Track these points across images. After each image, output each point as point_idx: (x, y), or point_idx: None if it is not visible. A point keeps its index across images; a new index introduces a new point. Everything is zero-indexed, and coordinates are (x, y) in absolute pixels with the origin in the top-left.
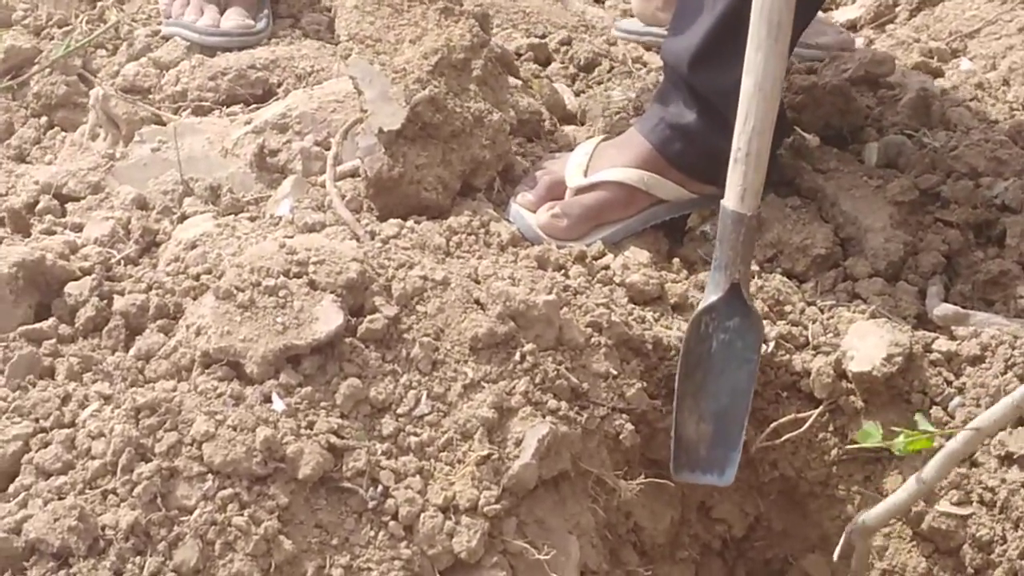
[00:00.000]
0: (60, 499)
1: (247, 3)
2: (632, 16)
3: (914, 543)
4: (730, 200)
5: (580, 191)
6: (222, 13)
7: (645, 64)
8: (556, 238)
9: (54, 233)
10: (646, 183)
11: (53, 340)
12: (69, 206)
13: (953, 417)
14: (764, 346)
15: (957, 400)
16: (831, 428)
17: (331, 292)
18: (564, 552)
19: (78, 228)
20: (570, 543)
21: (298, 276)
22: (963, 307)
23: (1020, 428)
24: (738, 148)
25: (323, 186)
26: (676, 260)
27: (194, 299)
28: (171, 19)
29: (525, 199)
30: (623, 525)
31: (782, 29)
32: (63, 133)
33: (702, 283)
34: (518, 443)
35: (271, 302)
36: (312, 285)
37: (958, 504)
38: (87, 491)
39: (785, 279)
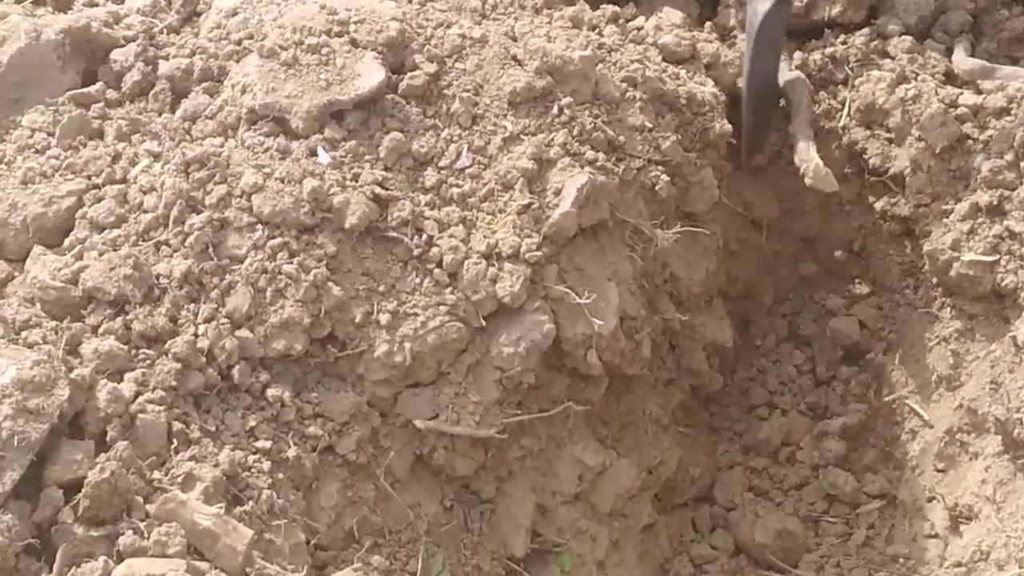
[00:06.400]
0: (115, 250)
1: None
2: None
3: None
4: None
5: None
6: None
7: None
8: None
9: (96, 6)
10: None
11: (101, 104)
12: None
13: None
14: None
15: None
16: None
17: (372, 50)
18: (604, 298)
19: (119, 1)
20: (609, 289)
21: (339, 35)
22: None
23: None
24: None
25: None
26: (708, 24)
27: (237, 62)
28: None
29: None
30: (660, 275)
31: None
32: None
33: (734, 45)
34: (557, 192)
35: (314, 60)
36: (353, 43)
37: None
38: (140, 243)
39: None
